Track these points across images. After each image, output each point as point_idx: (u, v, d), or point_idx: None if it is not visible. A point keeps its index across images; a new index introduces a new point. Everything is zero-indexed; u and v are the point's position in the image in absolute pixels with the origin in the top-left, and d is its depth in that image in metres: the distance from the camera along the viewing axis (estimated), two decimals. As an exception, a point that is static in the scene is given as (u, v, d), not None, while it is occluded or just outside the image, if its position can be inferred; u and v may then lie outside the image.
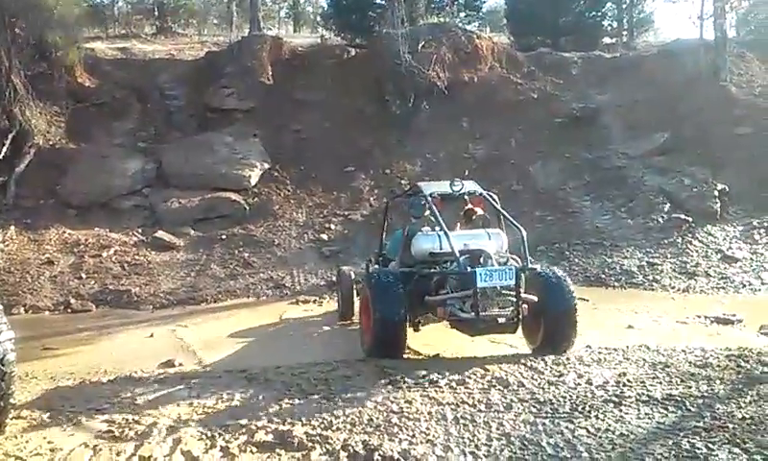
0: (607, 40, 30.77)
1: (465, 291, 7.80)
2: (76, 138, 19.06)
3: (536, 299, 8.12)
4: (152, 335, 10.95)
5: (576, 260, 15.41)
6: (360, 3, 28.46)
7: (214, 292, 13.86)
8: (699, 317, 11.71)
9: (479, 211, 9.76)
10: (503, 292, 7.74)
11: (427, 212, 9.23)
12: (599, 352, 8.48)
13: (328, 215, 17.65)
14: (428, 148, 20.07)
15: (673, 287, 14.09)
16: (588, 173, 19.00)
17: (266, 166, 19.01)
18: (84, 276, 14.23)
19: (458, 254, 8.01)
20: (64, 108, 19.62)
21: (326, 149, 19.69)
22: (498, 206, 9.47)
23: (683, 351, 8.48)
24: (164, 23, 32.30)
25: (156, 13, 32.66)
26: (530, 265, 8.20)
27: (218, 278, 14.51)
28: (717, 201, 17.03)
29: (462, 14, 30.42)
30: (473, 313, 7.64)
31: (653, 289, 14.08)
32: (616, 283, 14.43)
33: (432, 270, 8.34)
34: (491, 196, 9.64)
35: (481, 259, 7.94)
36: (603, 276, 14.73)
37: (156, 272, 14.61)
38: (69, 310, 12.88)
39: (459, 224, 10.02)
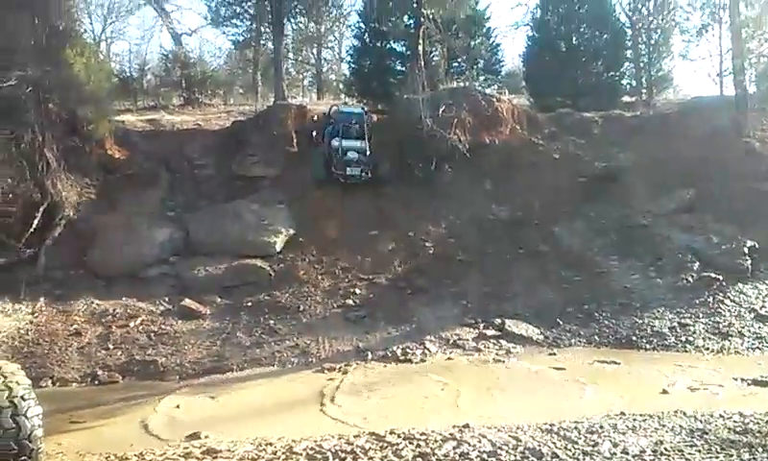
0: (626, 99, 30.89)
1: (342, 172, 19.83)
2: (105, 209, 19.38)
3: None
4: (178, 406, 10.90)
5: (605, 322, 15.16)
6: (381, 70, 29.11)
7: (240, 361, 13.80)
8: (735, 379, 11.44)
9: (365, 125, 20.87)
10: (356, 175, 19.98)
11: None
12: (634, 420, 8.27)
13: (353, 279, 17.62)
14: (452, 210, 20.12)
15: (707, 348, 13.78)
16: (614, 232, 18.86)
17: (291, 232, 19.14)
18: (111, 346, 14.28)
19: (341, 156, 20.01)
20: (95, 179, 20.04)
21: (350, 214, 19.82)
22: (367, 126, 20.98)
23: (720, 416, 8.25)
24: (191, 94, 33.03)
25: (184, 85, 33.46)
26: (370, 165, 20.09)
27: (244, 346, 14.46)
28: (747, 258, 16.76)
29: (481, 78, 30.87)
30: (345, 181, 19.95)
31: (686, 351, 13.77)
32: (648, 345, 14.14)
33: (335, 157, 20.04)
34: (369, 117, 21.80)
35: (351, 160, 19.97)
36: (634, 338, 14.45)
37: (182, 341, 14.62)
38: (96, 382, 12.88)
39: (358, 126, 20.93)
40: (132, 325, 15.20)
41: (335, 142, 20.52)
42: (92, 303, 16.05)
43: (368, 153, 20.41)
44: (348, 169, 20.13)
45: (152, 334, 14.91)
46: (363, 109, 22.36)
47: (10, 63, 17.50)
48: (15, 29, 18.70)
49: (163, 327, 15.28)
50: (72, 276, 17.09)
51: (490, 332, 15.06)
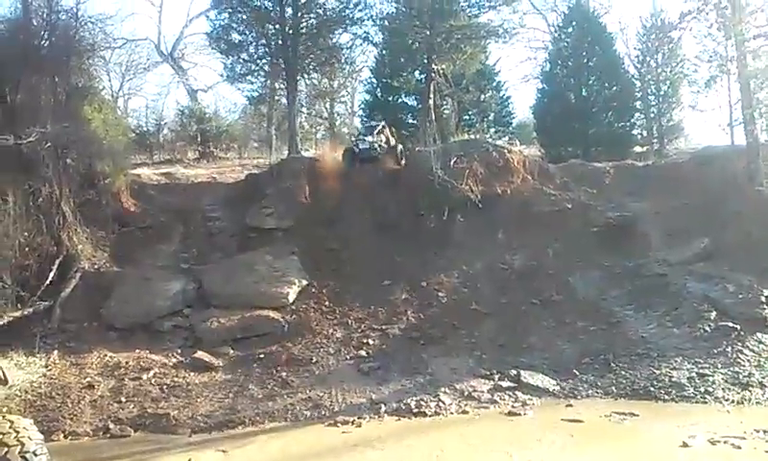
0: (638, 149, 31.06)
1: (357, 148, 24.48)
2: (120, 261, 19.55)
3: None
4: None
5: (623, 373, 14.91)
6: (393, 122, 29.53)
7: (252, 414, 13.64)
8: (758, 431, 11.18)
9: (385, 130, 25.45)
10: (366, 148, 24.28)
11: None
12: (654, 475, 8.08)
13: (366, 330, 17.51)
14: (465, 260, 20.09)
15: (727, 399, 13.49)
16: (628, 281, 18.70)
17: (304, 283, 19.13)
18: (123, 399, 14.20)
19: (357, 143, 24.94)
20: (110, 232, 20.24)
21: (363, 264, 19.86)
22: (388, 131, 25.52)
23: (744, 471, 8.04)
24: (207, 148, 33.60)
25: (199, 139, 34.05)
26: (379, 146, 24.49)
27: (256, 398, 14.32)
28: (765, 307, 16.50)
29: (492, 130, 31.23)
30: (360, 153, 24.13)
31: (705, 402, 13.49)
32: (666, 396, 13.87)
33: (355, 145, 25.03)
34: (389, 128, 25.72)
35: (364, 143, 24.43)
36: (652, 388, 14.19)
37: (194, 394, 14.50)
38: (108, 435, 12.77)
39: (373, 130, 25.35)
40: (144, 377, 15.13)
41: (357, 137, 26.20)
42: (105, 355, 16.01)
43: (378, 145, 24.62)
44: (360, 145, 24.38)
45: (164, 387, 14.82)
46: (380, 121, 26.48)
47: (30, 121, 17.95)
48: (35, 87, 19.25)
49: (176, 379, 15.19)
50: (86, 328, 17.10)
51: (505, 384, 14.84)
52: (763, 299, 16.63)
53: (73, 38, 20.80)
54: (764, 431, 11.08)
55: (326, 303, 18.59)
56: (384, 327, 17.58)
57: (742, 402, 13.34)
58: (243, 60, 29.29)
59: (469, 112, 31.05)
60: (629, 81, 31.85)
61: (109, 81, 37.10)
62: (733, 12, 22.20)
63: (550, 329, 17.14)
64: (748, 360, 14.88)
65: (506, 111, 34.04)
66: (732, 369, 14.59)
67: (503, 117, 33.41)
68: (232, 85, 38.50)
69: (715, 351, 15.29)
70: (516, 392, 14.49)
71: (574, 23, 31.90)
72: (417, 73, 29.85)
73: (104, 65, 31.65)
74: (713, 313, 16.60)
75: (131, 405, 14.01)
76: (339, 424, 13.05)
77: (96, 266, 19.09)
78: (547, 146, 30.21)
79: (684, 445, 10.60)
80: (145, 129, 36.06)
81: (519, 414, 13.40)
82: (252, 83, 31.71)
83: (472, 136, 26.58)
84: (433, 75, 26.41)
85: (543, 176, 23.42)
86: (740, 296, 16.99)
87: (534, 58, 38.34)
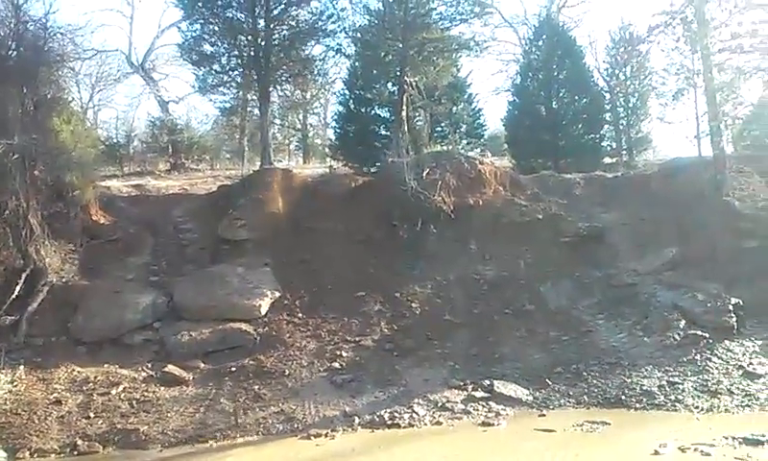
0: (607, 160, 31.48)
1: None
2: (89, 275, 19.18)
3: None
4: (159, 477, 10.60)
5: (594, 382, 15.05)
6: (366, 134, 29.55)
7: (224, 428, 13.49)
8: (726, 438, 11.35)
9: None
10: None
11: None
12: (626, 483, 8.14)
13: (339, 342, 17.43)
14: (438, 271, 20.13)
15: (696, 407, 13.69)
16: (599, 291, 18.92)
17: (277, 294, 18.98)
18: (92, 415, 13.94)
19: None
20: (79, 245, 19.85)
21: (336, 275, 19.77)
22: None
23: (713, 477, 8.14)
24: (178, 160, 33.21)
25: (171, 151, 33.63)
26: None
27: (228, 412, 14.15)
28: (732, 315, 16.81)
29: (464, 142, 31.39)
30: None
31: (675, 410, 13.67)
32: (638, 405, 14.03)
33: None
34: None
35: None
36: (623, 397, 14.35)
37: (164, 408, 14.29)
38: (76, 452, 12.56)
39: None
40: (113, 392, 14.89)
41: None
42: (73, 370, 15.73)
43: None
44: None
45: (134, 402, 14.59)
46: None
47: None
48: (3, 98, 18.89)
49: (146, 394, 14.96)
50: (54, 343, 16.77)
51: (478, 394, 14.90)
52: (731, 307, 16.93)
53: (42, 49, 20.44)
54: (733, 438, 11.24)
55: (299, 314, 18.47)
56: (357, 338, 17.52)
57: (711, 410, 13.55)
58: (215, 71, 29.02)
59: (442, 124, 31.13)
60: (598, 93, 32.28)
61: (79, 92, 36.47)
62: (699, 27, 22.68)
63: (522, 339, 17.25)
64: (716, 368, 15.14)
65: (478, 123, 34.18)
66: (701, 377, 14.82)
67: (475, 129, 33.56)
68: (204, 97, 38.25)
69: (685, 360, 15.53)
70: (490, 402, 14.54)
71: (544, 36, 32.28)
72: (389, 85, 29.89)
73: (73, 76, 31.06)
74: (683, 322, 16.86)
75: (99, 421, 13.77)
76: (312, 437, 12.95)
77: (64, 279, 18.68)
78: (518, 157, 30.50)
79: (656, 453, 10.71)
80: (115, 140, 35.53)
81: (493, 424, 13.43)
82: (224, 94, 31.43)
83: (445, 148, 26.70)
84: (406, 87, 26.50)
85: (515, 187, 23.59)
86: (708, 304, 17.28)
87: (505, 70, 38.81)
